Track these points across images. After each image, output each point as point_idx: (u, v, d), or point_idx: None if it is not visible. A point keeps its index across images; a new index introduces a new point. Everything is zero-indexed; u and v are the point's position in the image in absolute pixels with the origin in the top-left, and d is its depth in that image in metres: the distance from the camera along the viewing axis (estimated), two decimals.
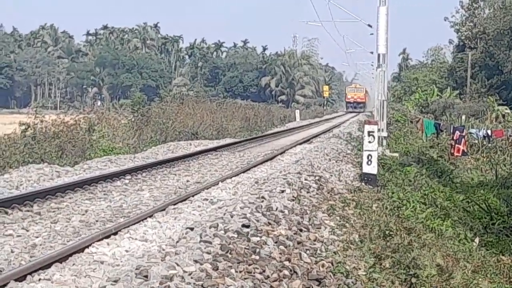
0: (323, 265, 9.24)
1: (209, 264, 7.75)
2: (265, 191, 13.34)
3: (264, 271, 8.17)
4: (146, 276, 7.13)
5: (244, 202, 11.95)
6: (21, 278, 7.63)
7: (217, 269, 7.68)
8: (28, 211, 11.91)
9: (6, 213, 11.53)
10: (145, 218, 11.26)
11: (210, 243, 8.66)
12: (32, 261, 8.32)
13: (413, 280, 9.77)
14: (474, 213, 15.31)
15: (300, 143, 31.54)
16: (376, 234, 11.97)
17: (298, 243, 10.00)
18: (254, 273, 7.97)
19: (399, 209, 14.85)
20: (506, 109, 47.51)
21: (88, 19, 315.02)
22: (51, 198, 13.24)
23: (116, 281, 7.13)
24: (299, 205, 12.62)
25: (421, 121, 41.78)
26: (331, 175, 18.38)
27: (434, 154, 30.56)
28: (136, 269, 7.48)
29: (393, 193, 16.99)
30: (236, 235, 9.28)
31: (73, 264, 8.37)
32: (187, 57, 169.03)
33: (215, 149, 26.84)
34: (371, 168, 19.16)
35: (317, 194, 14.65)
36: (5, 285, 7.37)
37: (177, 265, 7.54)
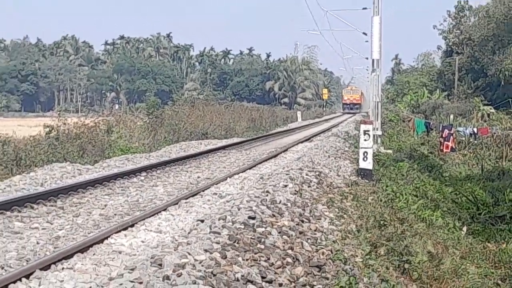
0: (323, 253, 9.23)
1: (218, 253, 7.74)
2: (270, 185, 13.33)
3: (269, 259, 8.16)
4: (160, 265, 7.13)
5: (250, 196, 11.94)
6: (46, 267, 7.65)
7: (226, 257, 7.67)
8: (52, 206, 11.94)
9: (32, 208, 11.56)
10: (160, 212, 11.28)
11: (219, 234, 8.65)
12: (56, 252, 8.33)
13: (406, 266, 9.76)
14: (462, 204, 15.28)
15: (302, 142, 31.48)
16: (371, 224, 11.96)
17: (300, 233, 9.99)
18: (259, 261, 7.96)
19: (392, 201, 14.84)
20: (490, 109, 47.40)
21: (106, 30, 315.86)
22: (73, 194, 13.27)
23: (133, 269, 7.12)
24: (301, 198, 12.61)
25: (413, 121, 41.78)
26: (330, 171, 18.35)
27: (425, 150, 30.51)
28: (151, 258, 7.48)
29: (387, 186, 16.97)
30: (243, 226, 9.28)
31: (94, 254, 8.39)
32: (197, 64, 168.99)
33: (223, 147, 26.81)
34: (367, 164, 19.15)
35: (317, 188, 14.64)
36: (32, 273, 7.39)
37: (189, 254, 7.54)
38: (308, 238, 9.80)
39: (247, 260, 7.81)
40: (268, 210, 10.78)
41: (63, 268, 7.67)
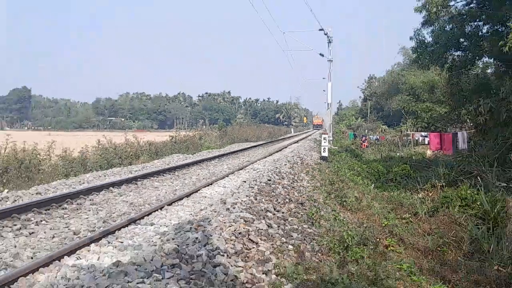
0: (303, 197, 9.20)
1: (252, 197, 7.76)
2: (278, 164, 13.33)
3: (277, 200, 8.17)
4: (225, 202, 7.16)
5: (268, 169, 11.95)
6: (170, 204, 7.70)
7: (256, 199, 7.68)
8: (173, 175, 12.06)
9: (163, 175, 11.70)
10: (224, 177, 11.32)
11: (253, 188, 8.67)
12: (174, 197, 8.40)
13: (344, 203, 9.69)
14: (371, 173, 15.08)
15: (293, 143, 31.38)
16: (327, 183, 11.89)
17: (292, 187, 9.98)
18: (272, 201, 7.97)
19: (337, 172, 14.71)
20: (386, 127, 46.68)
21: (198, 87, 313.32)
22: (183, 169, 13.39)
23: (211, 205, 7.15)
24: (293, 170, 12.59)
25: (347, 133, 41.61)
26: (307, 157, 18.27)
27: (354, 147, 30.13)
28: (220, 199, 7.52)
29: (334, 165, 16.83)
30: (264, 184, 9.28)
31: (193, 198, 8.45)
32: (242, 105, 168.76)
33: (255, 146, 26.81)
34: (325, 154, 19.00)
35: (301, 165, 14.59)
36: (163, 207, 7.45)
37: (238, 197, 7.57)
38: (296, 190, 9.78)
39: (266, 200, 7.83)
40: (277, 176, 10.78)
41: (178, 205, 7.76)
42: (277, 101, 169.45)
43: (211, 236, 5.24)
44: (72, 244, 5.10)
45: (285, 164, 13.52)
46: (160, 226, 6.17)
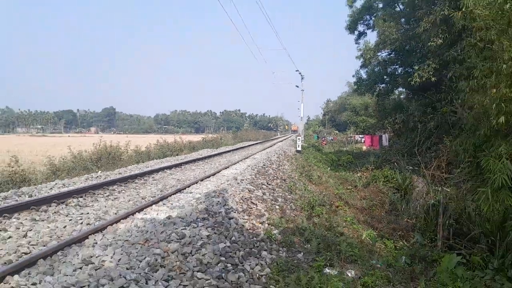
0: (285, 176, 9.18)
1: (254, 175, 7.74)
2: (270, 155, 13.27)
3: (269, 177, 8.14)
4: (236, 179, 7.13)
5: (263, 158, 11.90)
6: (201, 180, 7.47)
7: (256, 176, 7.66)
8: (204, 162, 11.82)
9: (198, 162, 11.50)
10: (236, 163, 11.18)
11: (253, 170, 8.63)
12: (204, 176, 8.31)
13: (311, 179, 9.67)
14: (328, 160, 15.08)
15: (279, 142, 31.29)
16: (300, 167, 11.85)
17: (278, 169, 9.94)
18: (266, 178, 7.96)
19: (307, 160, 14.67)
20: (337, 132, 46.54)
21: (220, 106, 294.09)
22: (210, 158, 13.10)
23: (228, 180, 7.12)
24: (278, 159, 12.55)
25: (313, 135, 41.42)
26: (288, 150, 18.20)
27: (317, 144, 30.05)
28: (233, 176, 7.49)
29: (305, 156, 16.77)
30: (261, 167, 9.25)
31: (216, 176, 8.36)
32: (247, 118, 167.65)
33: (255, 144, 26.66)
34: (299, 149, 18.90)
35: (284, 156, 14.55)
36: (197, 182, 7.32)
37: (244, 176, 7.54)
38: (281, 171, 9.75)
39: (262, 178, 7.82)
40: (269, 162, 10.74)
41: (206, 180, 7.69)
42: (269, 115, 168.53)
43: (227, 200, 5.26)
44: (141, 205, 5.12)
45: (274, 155, 13.47)
46: (196, 193, 6.15)
